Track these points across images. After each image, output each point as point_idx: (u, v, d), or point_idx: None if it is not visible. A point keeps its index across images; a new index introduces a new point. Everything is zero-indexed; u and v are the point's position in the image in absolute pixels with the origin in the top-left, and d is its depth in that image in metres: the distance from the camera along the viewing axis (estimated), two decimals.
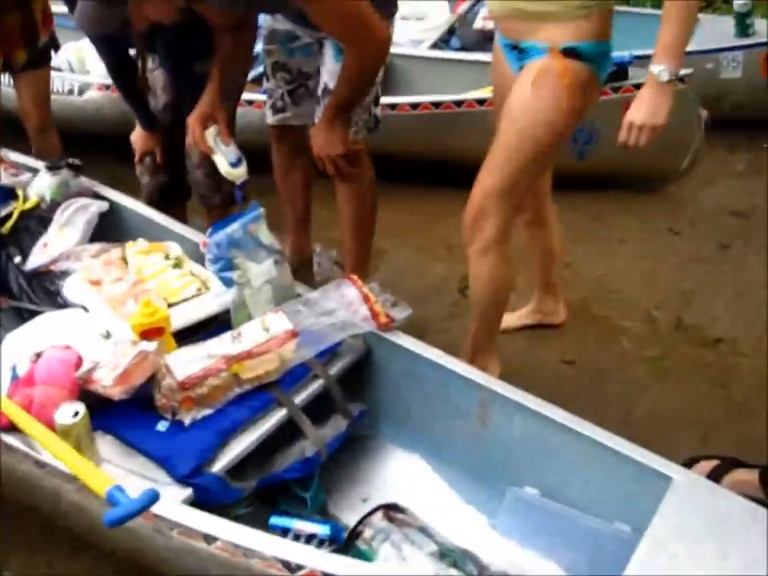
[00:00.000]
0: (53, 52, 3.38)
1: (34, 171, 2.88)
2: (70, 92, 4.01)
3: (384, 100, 3.09)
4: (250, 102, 3.52)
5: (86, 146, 3.42)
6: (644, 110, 2.02)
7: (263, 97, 2.94)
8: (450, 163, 3.45)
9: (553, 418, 1.95)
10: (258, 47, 2.89)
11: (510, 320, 2.84)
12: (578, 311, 3.05)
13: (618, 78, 3.47)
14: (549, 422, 1.95)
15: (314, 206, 3.16)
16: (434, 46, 4.22)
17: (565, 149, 3.63)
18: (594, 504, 1.88)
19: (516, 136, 2.21)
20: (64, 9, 2.71)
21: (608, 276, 3.29)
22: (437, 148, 3.58)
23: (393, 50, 4.05)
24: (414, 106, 3.55)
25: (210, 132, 2.44)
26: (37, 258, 2.59)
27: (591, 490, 1.90)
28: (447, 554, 1.78)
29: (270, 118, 2.84)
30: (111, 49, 2.73)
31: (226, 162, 2.43)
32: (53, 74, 3.66)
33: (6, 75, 3.40)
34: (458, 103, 3.53)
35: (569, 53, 2.07)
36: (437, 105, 3.51)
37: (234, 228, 2.19)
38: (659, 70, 1.97)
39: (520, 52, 2.17)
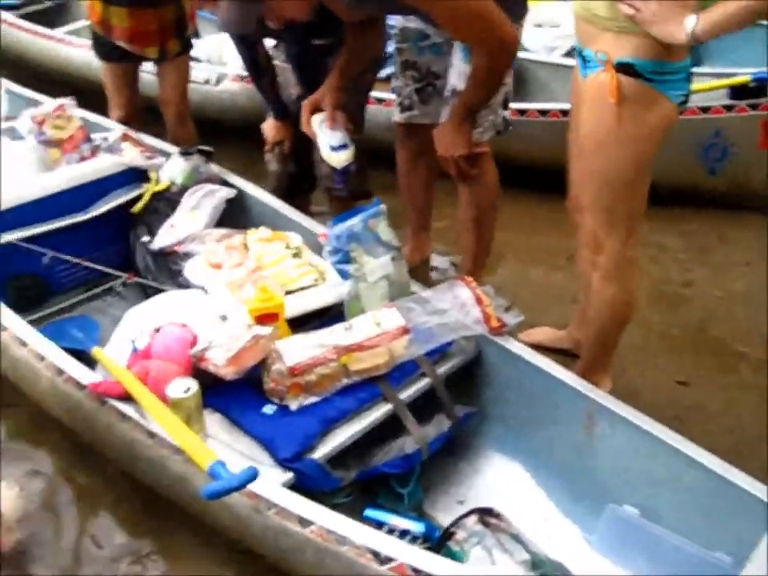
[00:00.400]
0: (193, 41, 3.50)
1: (168, 155, 2.99)
2: (207, 81, 4.12)
3: (514, 105, 3.07)
4: (380, 101, 3.56)
5: (219, 134, 3.54)
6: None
7: (393, 95, 2.96)
8: None
9: (660, 437, 1.91)
10: (390, 47, 2.91)
11: (548, 336, 2.79)
12: (695, 332, 2.96)
13: (757, 94, 3.36)
14: (656, 441, 1.91)
15: (435, 205, 3.16)
16: (568, 54, 4.17)
17: (695, 163, 3.59)
18: (694, 530, 1.83)
19: (588, 161, 2.15)
20: None
21: (729, 299, 3.17)
22: (564, 156, 3.52)
23: (526, 55, 4.05)
24: (544, 112, 3.52)
25: (317, 117, 2.47)
26: (163, 239, 2.70)
27: (693, 515, 1.85)
28: (539, 564, 1.76)
29: (398, 116, 2.86)
30: (248, 45, 2.81)
31: (327, 145, 2.44)
32: (192, 63, 3.80)
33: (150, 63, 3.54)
34: None
35: (623, 68, 1.95)
36: (566, 113, 3.45)
37: (354, 222, 2.22)
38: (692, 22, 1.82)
39: (583, 60, 2.08)
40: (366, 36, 2.51)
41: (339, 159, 2.45)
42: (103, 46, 3.40)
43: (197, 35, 3.50)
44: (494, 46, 2.21)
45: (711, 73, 3.73)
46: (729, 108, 3.49)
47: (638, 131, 2.02)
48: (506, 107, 2.63)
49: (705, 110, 3.50)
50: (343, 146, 2.45)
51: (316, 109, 2.47)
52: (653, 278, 3.23)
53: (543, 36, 4.20)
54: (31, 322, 2.44)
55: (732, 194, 3.65)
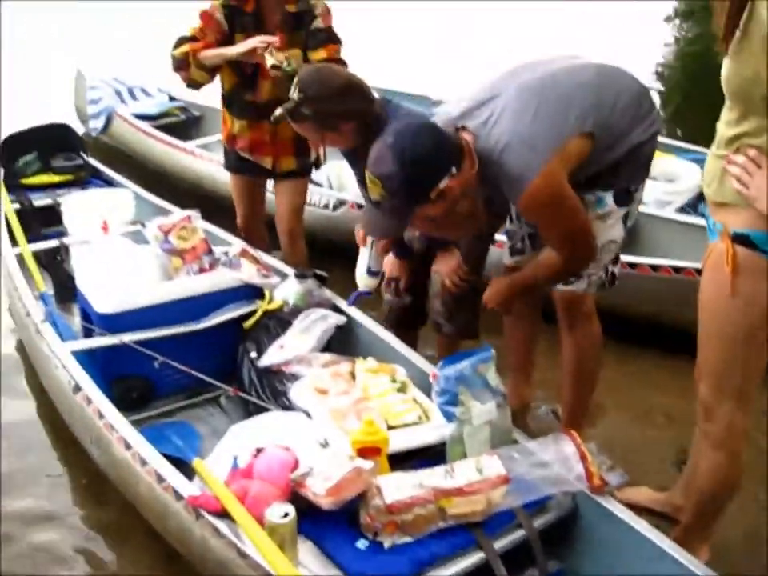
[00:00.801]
0: (314, 168, 3.65)
1: (284, 275, 3.09)
2: (326, 206, 4.26)
3: (625, 258, 3.08)
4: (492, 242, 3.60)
5: (335, 258, 3.63)
6: None
7: (504, 238, 3.00)
8: (685, 330, 3.35)
9: None
10: None
11: (648, 497, 2.71)
12: None
13: None
14: None
15: (538, 351, 3.16)
16: (682, 209, 4.17)
17: None
18: None
19: (703, 323, 2.14)
20: None
21: None
22: (673, 314, 3.49)
23: (640, 208, 4.06)
24: (655, 268, 3.51)
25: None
26: (271, 357, 2.76)
27: None
28: None
29: (508, 259, 2.85)
30: None
31: (366, 264, 2.52)
32: (312, 187, 3.95)
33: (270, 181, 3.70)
34: (700, 271, 3.44)
35: (739, 239, 1.97)
36: (678, 270, 3.45)
37: (464, 365, 2.25)
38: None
39: (709, 229, 2.11)
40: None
41: (368, 283, 2.59)
42: (230, 159, 3.64)
43: (318, 163, 3.61)
44: (577, 258, 2.39)
45: None
46: None
47: (753, 301, 2.02)
48: (615, 263, 2.66)
49: None
50: (377, 273, 2.55)
51: None
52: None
53: (657, 189, 4.20)
54: (132, 422, 2.50)
55: None
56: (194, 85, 3.43)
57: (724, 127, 2.01)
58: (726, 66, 1.93)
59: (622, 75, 2.49)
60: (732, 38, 1.91)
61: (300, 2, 3.30)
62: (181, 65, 3.35)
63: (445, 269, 2.84)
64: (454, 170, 2.16)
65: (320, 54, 3.26)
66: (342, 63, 3.25)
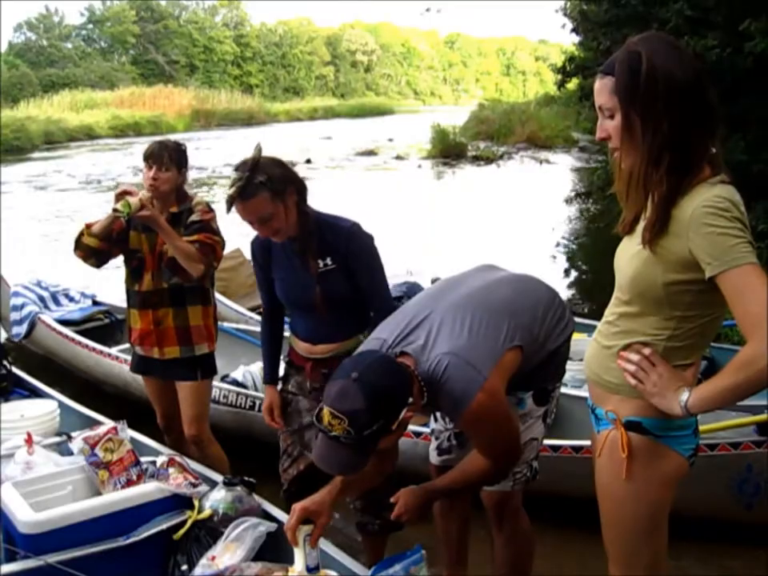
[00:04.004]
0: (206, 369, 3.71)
1: (213, 483, 3.08)
2: (251, 407, 4.30)
3: (547, 441, 3.17)
4: (417, 434, 3.67)
5: (257, 457, 3.64)
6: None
7: (428, 429, 3.06)
8: None
9: None
10: None
11: None
12: None
13: None
14: None
15: (471, 544, 3.16)
16: None
17: (731, 499, 3.61)
18: None
19: (604, 510, 2.18)
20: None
21: None
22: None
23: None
24: (577, 449, 3.60)
25: (304, 529, 2.41)
26: (203, 570, 2.72)
27: None
28: None
29: (435, 459, 2.88)
30: None
31: (303, 563, 2.42)
32: (236, 389, 4.01)
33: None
34: None
35: (631, 426, 2.06)
36: None
37: (396, 569, 2.26)
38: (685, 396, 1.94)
39: (596, 417, 2.19)
40: (383, 462, 2.51)
41: None
42: (134, 360, 3.81)
43: (211, 361, 3.71)
44: (506, 464, 2.45)
45: (739, 406, 3.84)
46: (758, 444, 3.56)
47: (648, 484, 2.08)
48: (536, 458, 2.72)
49: (735, 446, 3.57)
50: (316, 568, 2.44)
51: (306, 517, 2.41)
52: None
53: (573, 369, 4.35)
54: None
55: None
56: (84, 251, 3.58)
57: (616, 318, 2.11)
58: (631, 263, 2.04)
59: (535, 284, 2.67)
60: (635, 228, 2.04)
61: (181, 205, 3.59)
62: (78, 238, 3.59)
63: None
64: (411, 399, 2.22)
65: (194, 237, 3.44)
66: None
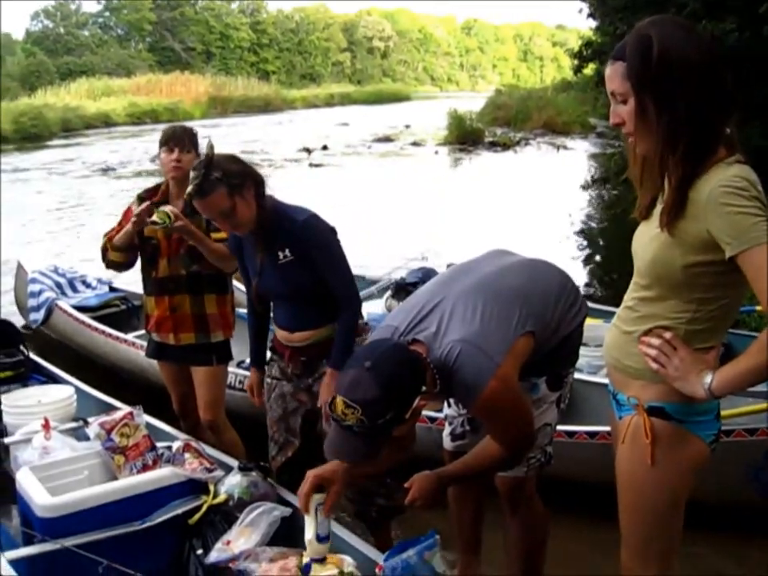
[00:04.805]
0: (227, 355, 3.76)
1: (228, 468, 3.10)
2: None
3: (562, 427, 3.16)
4: (432, 420, 3.68)
5: None
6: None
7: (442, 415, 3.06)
8: None
9: None
10: None
11: None
12: None
13: None
14: None
15: (486, 529, 3.16)
16: None
17: (747, 487, 3.59)
18: None
19: (624, 496, 2.17)
20: None
21: None
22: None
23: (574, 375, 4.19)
24: (592, 435, 3.60)
25: (316, 498, 2.42)
26: (218, 554, 2.74)
27: None
28: None
29: (448, 444, 2.88)
30: None
31: (314, 532, 2.42)
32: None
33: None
34: None
35: (654, 411, 2.05)
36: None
37: (409, 554, 2.26)
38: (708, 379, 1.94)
39: (618, 403, 2.18)
40: (398, 446, 2.48)
41: (319, 550, 2.45)
42: (150, 346, 3.83)
43: (227, 347, 3.75)
44: (519, 450, 2.44)
45: (754, 392, 3.81)
46: None
47: (671, 470, 2.08)
48: (550, 443, 2.73)
49: (751, 432, 3.55)
50: (326, 538, 2.45)
51: (320, 485, 2.43)
52: None
53: (588, 355, 4.34)
54: None
55: None
56: (113, 266, 3.70)
57: (636, 303, 2.11)
58: (650, 247, 2.03)
59: (548, 269, 2.66)
60: (652, 212, 2.04)
61: None
62: (103, 252, 3.67)
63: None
64: (424, 387, 2.22)
65: (220, 234, 3.44)
66: None
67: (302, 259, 2.97)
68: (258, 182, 3.00)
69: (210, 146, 2.93)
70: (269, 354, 3.32)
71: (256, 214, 2.97)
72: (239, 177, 2.92)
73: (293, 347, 3.12)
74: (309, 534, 2.43)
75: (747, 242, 1.83)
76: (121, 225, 3.64)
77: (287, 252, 2.98)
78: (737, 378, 1.92)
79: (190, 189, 2.89)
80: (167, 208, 3.36)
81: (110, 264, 3.70)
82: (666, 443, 2.06)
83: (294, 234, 2.97)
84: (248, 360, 4.48)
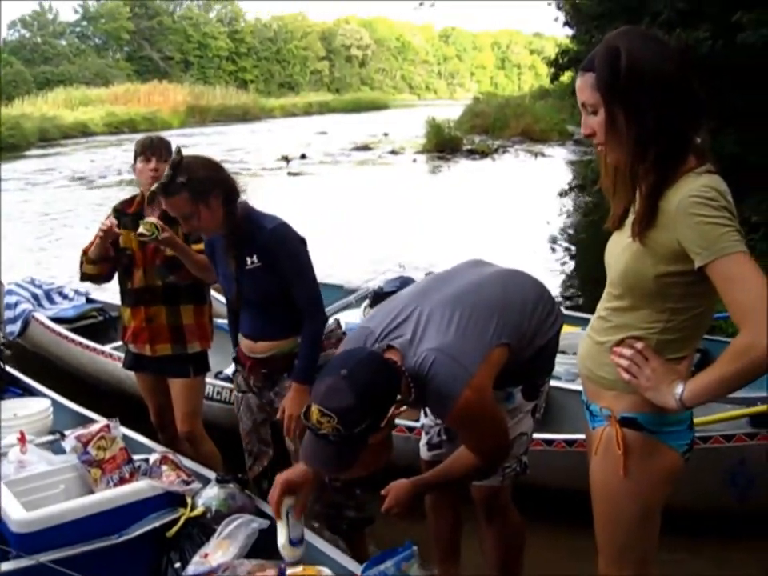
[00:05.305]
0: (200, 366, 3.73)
1: (206, 480, 3.08)
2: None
3: (540, 435, 3.17)
4: (410, 429, 3.68)
5: None
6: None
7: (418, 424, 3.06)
8: None
9: None
10: None
11: None
12: None
13: None
14: None
15: (462, 536, 3.17)
16: None
17: (724, 493, 3.62)
18: None
19: (598, 506, 2.18)
20: None
21: None
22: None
23: (552, 383, 4.20)
24: (570, 443, 3.61)
25: (287, 502, 2.42)
26: (196, 567, 2.72)
27: None
28: None
29: (425, 454, 2.89)
30: None
31: (286, 536, 2.41)
32: (229, 385, 4.02)
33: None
34: None
35: (626, 422, 2.05)
36: None
37: (387, 565, 2.26)
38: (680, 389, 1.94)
39: (591, 414, 2.19)
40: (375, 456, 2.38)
41: (294, 554, 2.44)
42: (127, 357, 3.83)
43: (204, 358, 3.74)
44: (494, 460, 2.45)
45: (732, 398, 3.84)
46: (752, 436, 3.56)
47: (644, 481, 2.08)
48: (526, 453, 2.72)
49: (728, 438, 3.57)
50: (300, 542, 2.45)
51: (289, 489, 2.44)
52: None
53: (566, 363, 4.35)
54: None
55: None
56: (88, 278, 3.73)
57: (608, 313, 2.11)
58: (622, 257, 2.03)
59: (524, 280, 2.67)
60: (624, 222, 2.04)
61: None
62: (80, 265, 3.69)
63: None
64: (398, 396, 2.22)
65: (200, 245, 3.45)
66: None
67: (269, 266, 2.98)
68: (228, 190, 3.01)
69: (177, 151, 2.98)
70: (233, 366, 3.33)
71: (224, 221, 2.99)
72: (205, 184, 2.94)
73: (254, 358, 3.12)
74: (281, 538, 2.42)
75: (716, 253, 1.84)
76: (96, 237, 3.63)
77: (255, 258, 2.99)
78: (708, 388, 1.92)
79: (155, 186, 2.97)
80: (153, 219, 3.35)
81: (84, 276, 3.70)
82: (638, 454, 2.06)
83: (262, 241, 2.98)
84: (225, 371, 4.49)
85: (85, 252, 3.64)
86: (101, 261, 3.61)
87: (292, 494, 2.43)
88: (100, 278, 3.73)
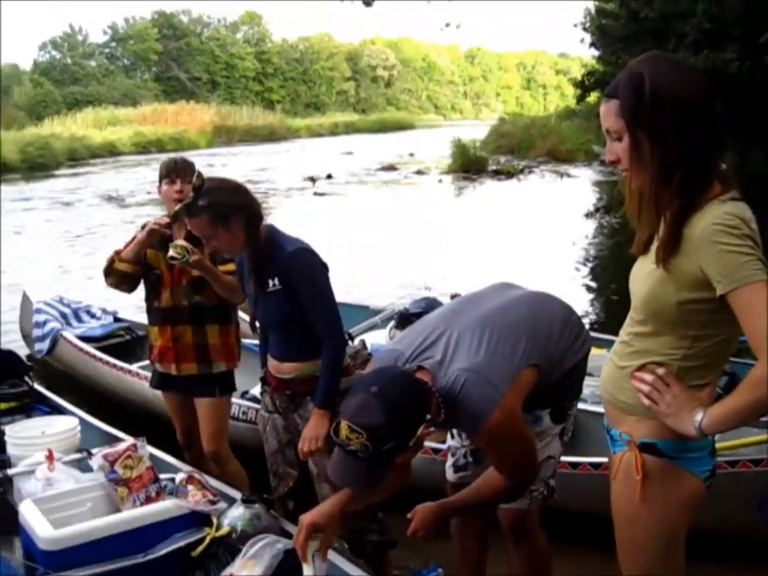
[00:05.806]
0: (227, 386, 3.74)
1: (231, 500, 3.09)
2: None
3: (566, 458, 3.15)
4: (436, 451, 3.67)
5: None
6: None
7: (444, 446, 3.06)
8: None
9: None
10: None
11: None
12: None
13: None
14: None
15: (488, 560, 3.15)
16: None
17: (750, 518, 3.57)
18: None
19: (620, 533, 2.15)
20: None
21: None
22: None
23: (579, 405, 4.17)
24: (596, 466, 3.59)
25: (313, 545, 2.43)
26: None
27: None
28: None
29: (451, 476, 2.88)
30: None
31: None
32: (255, 405, 4.03)
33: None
34: None
35: (646, 448, 2.04)
36: None
37: None
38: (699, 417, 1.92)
39: (611, 438, 2.17)
40: (396, 478, 2.44)
41: None
42: (154, 376, 3.85)
43: (230, 378, 3.75)
44: (522, 482, 2.45)
45: (760, 422, 3.79)
46: None
47: (663, 507, 2.06)
48: (553, 476, 2.72)
49: (756, 462, 3.53)
50: None
51: (315, 530, 2.44)
52: None
53: (592, 385, 4.32)
54: None
55: None
56: (118, 276, 3.65)
57: (631, 338, 2.10)
58: (645, 282, 2.03)
59: (552, 302, 2.68)
60: (650, 248, 2.03)
61: None
62: (107, 269, 3.67)
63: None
64: (428, 416, 2.23)
65: (228, 266, 3.48)
66: None
67: (289, 290, 2.99)
68: (250, 214, 3.03)
69: (198, 175, 3.04)
70: (259, 386, 3.34)
71: (246, 244, 3.02)
72: (226, 207, 2.97)
73: (279, 378, 3.13)
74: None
75: (737, 281, 1.83)
76: (127, 244, 3.68)
77: (276, 281, 3.01)
78: (727, 417, 1.91)
79: (178, 207, 3.06)
80: (183, 242, 3.37)
81: (113, 275, 3.65)
82: (657, 480, 2.04)
83: (282, 264, 3.00)
84: (252, 391, 4.51)
85: (117, 253, 3.65)
86: (134, 262, 3.62)
87: (317, 535, 2.43)
88: (129, 280, 3.68)
